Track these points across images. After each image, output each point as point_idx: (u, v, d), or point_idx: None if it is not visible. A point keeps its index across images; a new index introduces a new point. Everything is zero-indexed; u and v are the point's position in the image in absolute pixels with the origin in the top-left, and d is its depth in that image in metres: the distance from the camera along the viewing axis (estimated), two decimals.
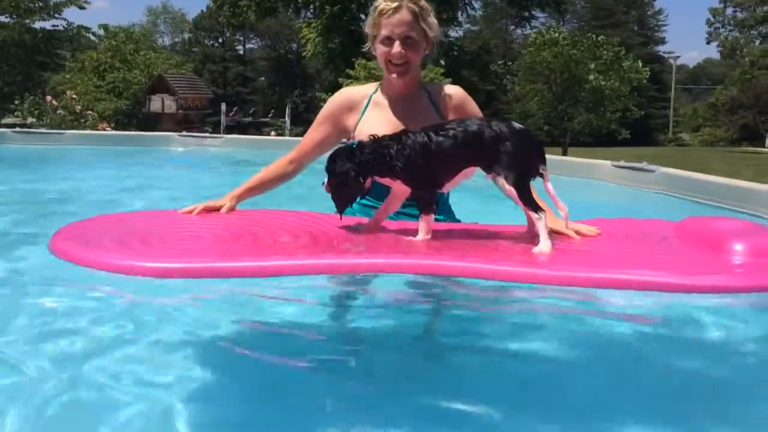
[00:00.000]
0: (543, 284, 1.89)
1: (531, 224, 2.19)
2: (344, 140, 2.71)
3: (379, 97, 2.68)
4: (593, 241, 2.27)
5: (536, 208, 2.04)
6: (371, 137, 2.16)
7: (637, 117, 21.75)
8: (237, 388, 1.90)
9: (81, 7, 26.41)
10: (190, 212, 2.33)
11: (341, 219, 2.21)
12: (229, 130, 21.86)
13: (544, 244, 1.99)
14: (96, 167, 6.08)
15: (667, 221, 2.67)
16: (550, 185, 2.10)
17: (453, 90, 2.71)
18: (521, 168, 2.06)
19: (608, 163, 4.69)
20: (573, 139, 21.46)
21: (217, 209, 2.38)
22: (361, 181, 2.10)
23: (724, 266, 2.06)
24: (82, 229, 2.13)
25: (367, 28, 2.57)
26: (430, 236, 2.10)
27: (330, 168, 2.12)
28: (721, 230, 2.35)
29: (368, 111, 2.66)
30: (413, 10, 2.47)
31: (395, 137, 2.12)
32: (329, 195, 2.16)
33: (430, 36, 2.53)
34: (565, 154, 18.94)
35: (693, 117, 44.42)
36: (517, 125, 2.09)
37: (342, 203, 2.14)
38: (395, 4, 2.46)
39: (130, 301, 2.40)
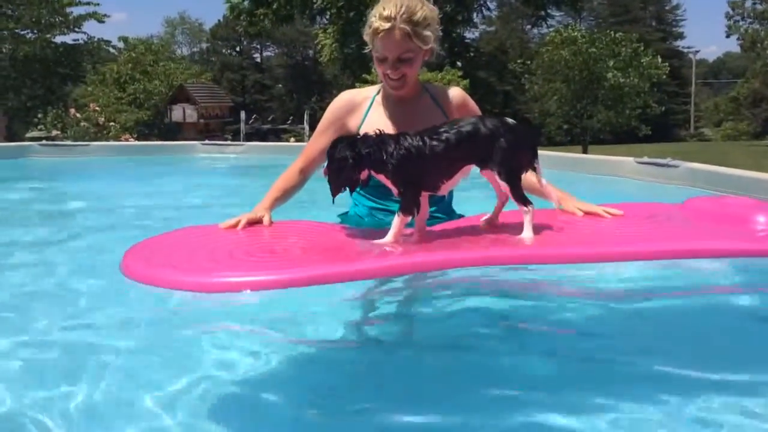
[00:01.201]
0: (644, 260, 2.14)
1: (496, 212, 2.30)
2: None
3: (382, 99, 2.69)
4: (637, 223, 2.43)
5: (525, 202, 2.15)
6: (376, 131, 2.20)
7: (657, 113, 21.57)
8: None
9: (100, 21, 26.76)
10: (235, 226, 2.29)
11: (333, 202, 2.24)
12: (249, 137, 22.02)
13: (527, 233, 2.13)
14: (124, 178, 6.17)
15: (667, 204, 2.86)
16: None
17: (455, 91, 2.76)
18: (513, 163, 2.15)
19: (631, 159, 4.66)
20: (593, 137, 21.33)
21: (258, 221, 2.37)
22: (357, 170, 2.15)
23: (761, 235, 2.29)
24: (159, 254, 2.05)
25: (365, 36, 2.57)
26: (400, 239, 2.14)
27: (330, 153, 2.17)
28: (738, 206, 2.61)
29: (371, 112, 2.67)
30: (405, 32, 2.44)
31: (395, 137, 2.16)
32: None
33: (426, 49, 2.52)
34: (585, 152, 18.84)
35: (714, 111, 43.93)
36: (510, 121, 2.16)
37: (335, 188, 2.18)
38: (388, 25, 2.44)
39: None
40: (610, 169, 4.79)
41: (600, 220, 2.41)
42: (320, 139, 2.71)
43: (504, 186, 2.15)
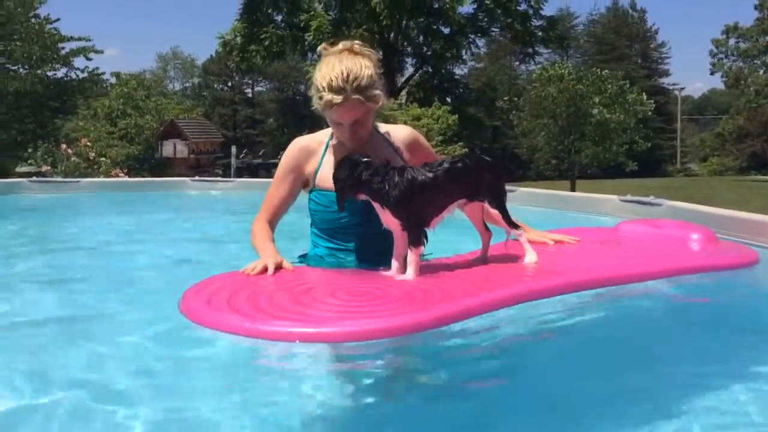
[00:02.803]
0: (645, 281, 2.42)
1: (484, 250, 2.47)
2: (304, 189, 2.74)
3: (336, 143, 2.68)
4: (597, 247, 2.74)
5: (516, 226, 2.41)
6: (384, 161, 2.28)
7: (644, 149, 21.83)
8: None
9: (88, 58, 27.10)
10: (263, 272, 2.30)
11: (339, 213, 2.44)
12: (239, 172, 22.13)
13: (531, 256, 2.37)
14: (115, 214, 6.16)
15: (605, 228, 3.25)
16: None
17: (404, 129, 2.83)
18: (500, 193, 2.37)
19: (615, 197, 4.74)
20: (581, 172, 21.54)
21: (280, 267, 2.36)
22: (355, 193, 2.29)
23: (708, 251, 2.71)
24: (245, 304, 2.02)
25: (315, 103, 2.54)
26: (418, 272, 2.22)
27: (336, 169, 2.32)
28: (675, 227, 2.99)
29: (327, 156, 2.67)
30: (359, 101, 2.45)
31: (399, 169, 2.25)
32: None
33: (377, 106, 2.53)
34: (573, 187, 19.01)
35: (700, 147, 44.49)
36: (487, 158, 2.38)
37: (340, 202, 2.33)
38: (340, 98, 2.43)
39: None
40: (596, 206, 4.87)
41: (576, 246, 2.69)
42: (280, 187, 2.73)
43: (496, 214, 2.34)
